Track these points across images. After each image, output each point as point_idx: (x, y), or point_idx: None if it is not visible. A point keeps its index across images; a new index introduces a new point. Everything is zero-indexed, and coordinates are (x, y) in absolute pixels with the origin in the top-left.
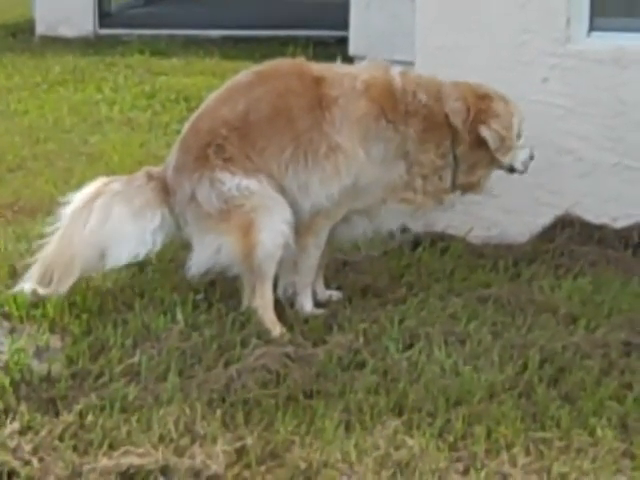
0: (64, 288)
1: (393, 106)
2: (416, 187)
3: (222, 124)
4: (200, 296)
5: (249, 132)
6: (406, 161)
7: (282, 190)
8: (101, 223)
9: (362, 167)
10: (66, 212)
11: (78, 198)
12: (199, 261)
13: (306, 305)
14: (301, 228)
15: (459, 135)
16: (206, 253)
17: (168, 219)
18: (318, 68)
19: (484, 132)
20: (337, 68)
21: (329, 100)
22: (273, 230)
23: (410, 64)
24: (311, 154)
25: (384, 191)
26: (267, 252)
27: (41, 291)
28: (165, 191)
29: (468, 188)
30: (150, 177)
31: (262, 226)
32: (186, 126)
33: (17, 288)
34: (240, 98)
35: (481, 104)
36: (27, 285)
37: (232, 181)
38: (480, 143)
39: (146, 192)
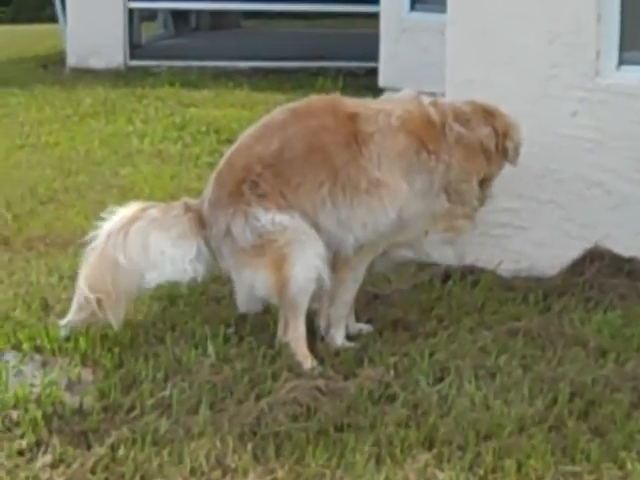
0: (120, 316)
1: (433, 137)
2: (457, 214)
3: (257, 161)
4: (231, 330)
5: (283, 169)
6: (448, 191)
7: (317, 227)
8: (140, 249)
9: (407, 201)
10: (102, 233)
11: (114, 219)
12: (241, 297)
13: (338, 338)
14: (340, 262)
15: (492, 157)
16: (244, 288)
17: (204, 251)
18: (352, 104)
19: (509, 147)
20: (371, 104)
21: (365, 136)
22: (306, 264)
23: (439, 96)
24: (350, 190)
25: (427, 222)
26: (300, 286)
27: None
28: (201, 224)
29: (484, 201)
30: (188, 208)
31: (295, 260)
32: (222, 161)
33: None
34: (274, 135)
35: (500, 122)
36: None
37: (266, 217)
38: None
39: (183, 222)
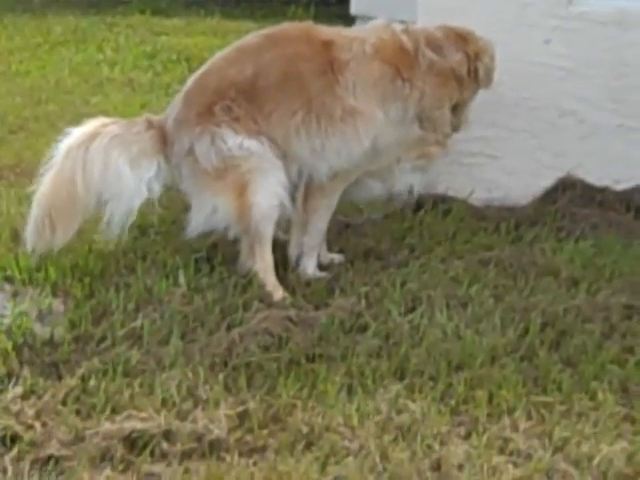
0: (68, 235)
1: (407, 65)
2: (429, 141)
3: (230, 85)
4: (200, 254)
5: (257, 95)
6: (421, 118)
7: (287, 155)
8: (100, 169)
9: (382, 129)
10: (61, 148)
11: (75, 135)
12: (197, 222)
13: (309, 267)
14: (313, 190)
15: (464, 83)
16: (203, 213)
17: (164, 169)
18: (327, 32)
19: (480, 71)
20: (344, 32)
21: (340, 64)
22: (268, 191)
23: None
24: (325, 118)
25: (400, 150)
26: (263, 213)
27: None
28: (163, 141)
29: (458, 127)
30: (150, 125)
31: (258, 187)
32: (190, 80)
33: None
34: (249, 60)
35: (473, 47)
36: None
37: (234, 140)
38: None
39: (144, 139)
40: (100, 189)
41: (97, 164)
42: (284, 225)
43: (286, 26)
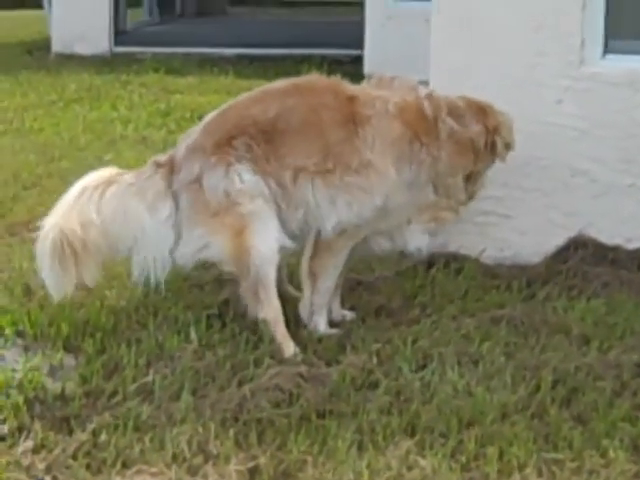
0: (93, 276)
1: (426, 130)
2: (442, 206)
3: (252, 123)
4: (212, 311)
5: (275, 137)
6: (435, 183)
7: (293, 201)
8: (120, 218)
9: (394, 188)
10: (76, 187)
11: (90, 177)
12: (185, 253)
13: (321, 325)
14: (321, 248)
15: (480, 155)
16: (194, 246)
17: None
18: (352, 88)
19: (498, 145)
20: (369, 89)
21: (362, 118)
22: (268, 235)
23: (424, 84)
24: (340, 167)
25: (411, 212)
26: (263, 256)
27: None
28: (171, 171)
29: (473, 195)
30: (158, 165)
31: (257, 230)
32: (210, 115)
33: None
34: (273, 103)
35: (492, 120)
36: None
37: (251, 177)
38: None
39: (155, 181)
40: (119, 236)
41: (115, 211)
42: (295, 282)
43: (315, 77)
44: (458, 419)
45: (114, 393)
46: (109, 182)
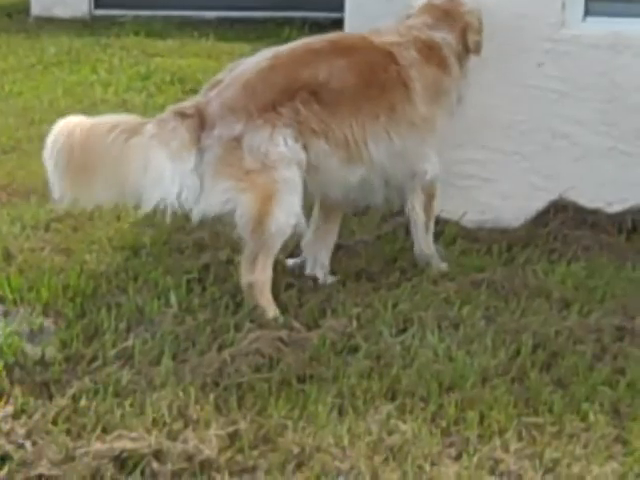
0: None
1: (445, 61)
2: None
3: (302, 86)
4: (192, 275)
5: (330, 100)
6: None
7: (358, 159)
8: (139, 168)
9: (442, 124)
10: (106, 122)
11: (116, 116)
12: (207, 205)
13: (442, 265)
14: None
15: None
16: (217, 199)
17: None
18: (378, 41)
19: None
20: (381, 38)
21: (404, 71)
22: (291, 208)
23: None
24: (405, 124)
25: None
26: (279, 227)
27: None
28: (200, 126)
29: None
30: (183, 116)
31: (283, 200)
32: (246, 70)
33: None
34: (321, 64)
35: (460, 21)
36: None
37: (294, 144)
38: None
39: (181, 133)
40: (134, 186)
41: (137, 162)
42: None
43: (342, 34)
44: (438, 383)
45: (94, 358)
46: (133, 130)
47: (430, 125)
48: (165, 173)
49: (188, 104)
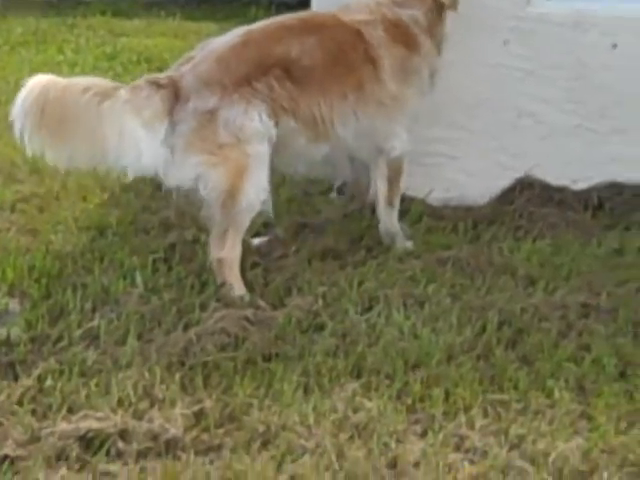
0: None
1: (414, 40)
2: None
3: (275, 63)
4: (158, 255)
5: (302, 77)
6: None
7: (324, 137)
8: (112, 133)
9: (414, 104)
10: (79, 83)
11: (87, 79)
12: (176, 177)
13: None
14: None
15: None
16: (187, 172)
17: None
18: (345, 19)
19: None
20: (348, 16)
21: (373, 50)
22: (260, 184)
23: None
24: (373, 103)
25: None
26: (250, 202)
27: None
28: (174, 98)
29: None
30: (158, 85)
31: (253, 175)
32: (219, 45)
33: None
34: (293, 41)
35: None
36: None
37: (267, 120)
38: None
39: (155, 102)
40: (106, 150)
41: (110, 126)
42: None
43: (313, 13)
44: (404, 361)
45: (59, 338)
46: (105, 93)
47: (400, 104)
48: (138, 141)
49: (162, 75)
